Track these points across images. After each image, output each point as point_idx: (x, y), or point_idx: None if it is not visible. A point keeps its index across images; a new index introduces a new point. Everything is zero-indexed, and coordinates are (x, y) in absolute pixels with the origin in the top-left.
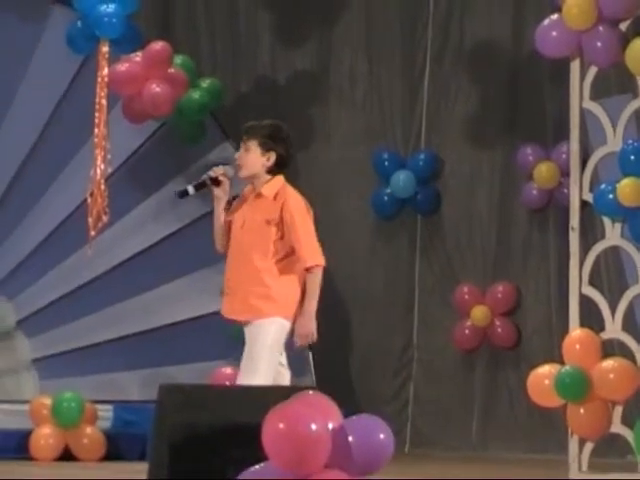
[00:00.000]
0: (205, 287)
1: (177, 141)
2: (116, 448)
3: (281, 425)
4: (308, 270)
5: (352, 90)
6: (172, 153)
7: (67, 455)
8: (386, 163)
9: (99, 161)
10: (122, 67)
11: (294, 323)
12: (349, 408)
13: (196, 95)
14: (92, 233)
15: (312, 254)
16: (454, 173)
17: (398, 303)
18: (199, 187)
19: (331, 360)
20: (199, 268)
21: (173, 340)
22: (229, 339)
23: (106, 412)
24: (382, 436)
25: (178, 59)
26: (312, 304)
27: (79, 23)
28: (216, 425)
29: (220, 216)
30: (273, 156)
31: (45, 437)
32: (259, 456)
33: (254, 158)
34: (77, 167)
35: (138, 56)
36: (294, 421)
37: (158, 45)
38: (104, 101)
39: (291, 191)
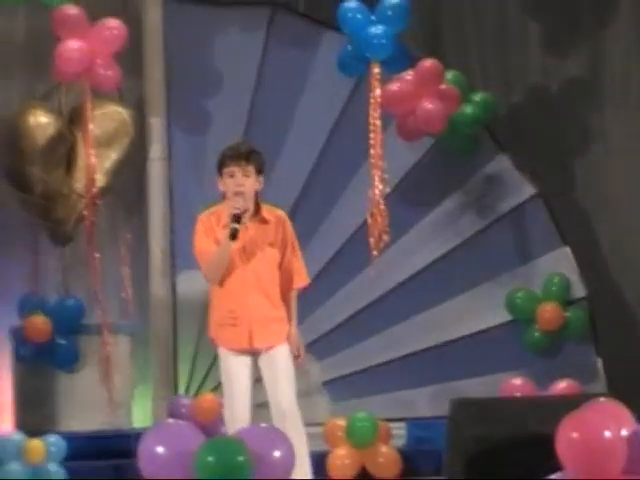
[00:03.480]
0: (489, 300)
1: (452, 156)
2: (411, 465)
3: (574, 434)
4: (299, 289)
5: (627, 95)
6: (447, 169)
7: (364, 475)
8: None
9: (376, 181)
10: (394, 87)
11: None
12: None
13: (469, 110)
14: (374, 253)
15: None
16: None
17: None
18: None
19: (622, 366)
20: (482, 282)
21: (460, 354)
22: (522, 349)
23: (399, 430)
24: None
25: (449, 75)
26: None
27: (349, 47)
28: (509, 437)
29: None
30: (262, 180)
31: (341, 458)
32: (554, 466)
33: (253, 183)
34: (355, 189)
35: (409, 75)
36: (587, 429)
37: (428, 62)
38: (378, 122)
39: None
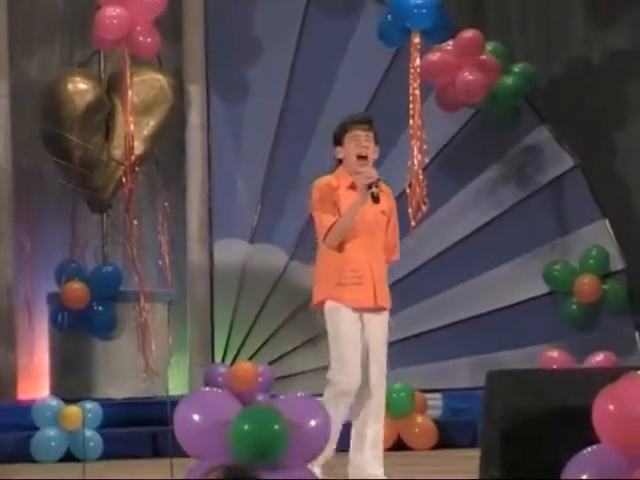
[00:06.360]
0: (527, 272)
1: (492, 127)
2: (447, 436)
3: (611, 407)
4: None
5: None
6: (488, 139)
7: (400, 444)
8: None
9: (416, 152)
10: (434, 57)
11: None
12: None
13: (509, 80)
14: (413, 223)
15: None
16: None
17: None
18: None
19: None
20: (520, 253)
21: (499, 325)
22: (560, 321)
23: (436, 401)
24: None
25: (490, 46)
26: None
27: (389, 16)
28: (546, 409)
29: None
30: (377, 150)
31: None
32: (590, 438)
33: (374, 150)
34: (395, 159)
35: (450, 45)
36: (624, 402)
37: (469, 33)
38: (417, 92)
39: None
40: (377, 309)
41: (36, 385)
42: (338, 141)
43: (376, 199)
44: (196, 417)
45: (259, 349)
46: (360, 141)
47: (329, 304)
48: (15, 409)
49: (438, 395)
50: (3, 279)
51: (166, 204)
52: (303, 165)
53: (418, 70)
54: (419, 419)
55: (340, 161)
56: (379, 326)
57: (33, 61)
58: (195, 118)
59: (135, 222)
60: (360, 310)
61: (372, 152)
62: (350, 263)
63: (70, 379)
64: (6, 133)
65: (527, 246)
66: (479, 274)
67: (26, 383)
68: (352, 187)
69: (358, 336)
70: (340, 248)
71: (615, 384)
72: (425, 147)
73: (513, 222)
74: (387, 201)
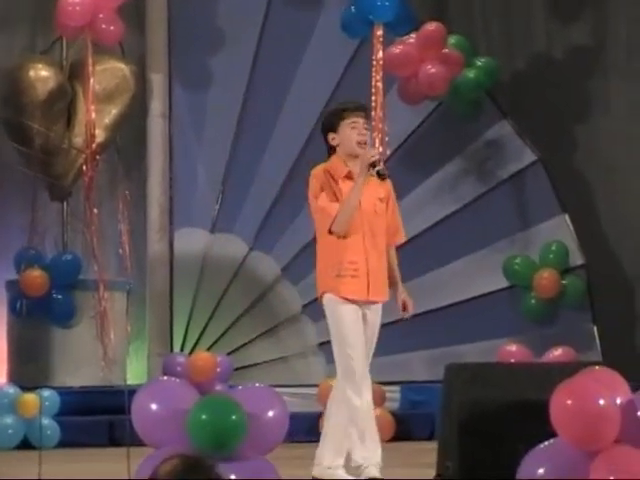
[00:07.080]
0: (487, 266)
1: (454, 121)
2: (405, 428)
3: (569, 401)
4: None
5: (630, 62)
6: (449, 133)
7: None
8: None
9: (377, 144)
10: (397, 49)
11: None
12: (637, 382)
13: (471, 74)
14: None
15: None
16: None
17: None
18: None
19: (617, 334)
20: (480, 247)
21: (459, 319)
22: (519, 315)
23: (394, 393)
24: None
25: (452, 39)
26: None
27: (353, 8)
28: (503, 402)
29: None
30: None
31: None
32: (548, 432)
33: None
34: None
35: (412, 38)
36: (582, 397)
37: (432, 26)
38: (380, 84)
39: None
40: (371, 302)
41: None
42: (332, 127)
43: (383, 176)
44: (154, 406)
45: (218, 339)
46: (359, 128)
47: (327, 296)
48: None
49: (396, 388)
50: None
51: (127, 192)
52: (265, 155)
53: (381, 62)
54: (377, 411)
55: (333, 149)
56: (374, 317)
57: None
58: (157, 107)
59: (95, 210)
60: (356, 302)
61: (369, 139)
62: (348, 254)
63: (28, 367)
64: None
65: (487, 240)
66: (439, 267)
67: None
68: (348, 177)
69: (361, 328)
70: (339, 238)
71: (573, 379)
72: (387, 139)
73: (474, 216)
74: (384, 186)
